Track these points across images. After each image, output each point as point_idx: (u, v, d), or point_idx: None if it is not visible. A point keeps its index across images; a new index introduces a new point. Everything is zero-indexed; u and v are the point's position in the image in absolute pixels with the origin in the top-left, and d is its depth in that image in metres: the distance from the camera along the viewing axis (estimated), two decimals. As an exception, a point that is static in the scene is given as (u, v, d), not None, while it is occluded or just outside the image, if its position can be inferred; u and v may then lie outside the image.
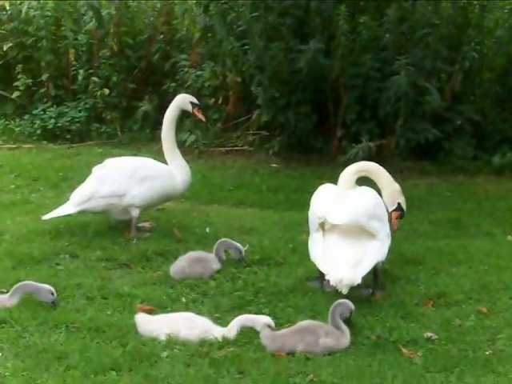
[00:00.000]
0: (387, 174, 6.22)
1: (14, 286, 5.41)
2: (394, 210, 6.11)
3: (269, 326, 4.95)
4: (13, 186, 8.82)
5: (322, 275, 5.83)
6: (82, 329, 5.08)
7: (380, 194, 6.10)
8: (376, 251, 5.64)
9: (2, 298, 5.37)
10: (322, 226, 5.74)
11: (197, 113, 7.46)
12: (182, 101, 7.43)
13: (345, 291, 5.31)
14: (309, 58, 9.66)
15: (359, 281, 5.36)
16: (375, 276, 5.76)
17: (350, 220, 5.60)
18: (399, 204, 6.12)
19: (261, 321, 4.99)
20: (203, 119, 7.71)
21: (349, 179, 6.07)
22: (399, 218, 6.14)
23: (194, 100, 7.46)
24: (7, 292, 5.48)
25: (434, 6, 10.17)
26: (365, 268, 5.48)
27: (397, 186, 6.18)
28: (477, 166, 10.18)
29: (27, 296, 5.45)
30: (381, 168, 6.25)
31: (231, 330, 5.00)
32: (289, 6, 10.08)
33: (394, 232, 6.05)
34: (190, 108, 7.40)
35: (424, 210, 8.26)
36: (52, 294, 5.40)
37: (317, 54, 9.67)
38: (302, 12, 10.16)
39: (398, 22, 9.97)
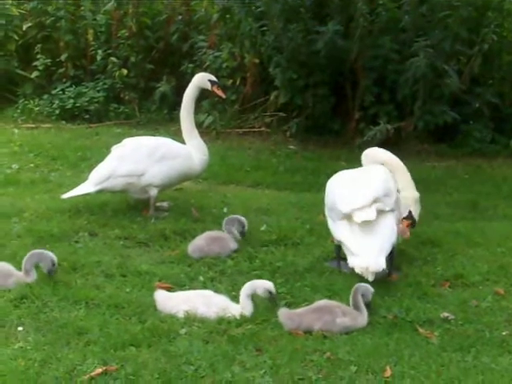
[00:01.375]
0: (410, 177, 6.25)
1: (23, 261, 5.45)
2: (404, 218, 6.05)
3: (270, 292, 5.04)
4: (32, 165, 8.89)
5: (338, 256, 5.86)
6: (102, 305, 5.13)
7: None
8: (391, 232, 5.65)
9: (21, 275, 5.42)
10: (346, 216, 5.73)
11: (216, 90, 7.45)
12: (201, 79, 7.42)
13: (371, 278, 5.31)
14: (327, 40, 9.64)
15: (384, 266, 5.38)
16: (391, 257, 5.78)
17: (375, 214, 5.58)
18: (410, 212, 6.10)
19: (261, 285, 5.08)
20: (223, 96, 7.70)
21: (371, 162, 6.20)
22: (410, 226, 6.06)
23: (213, 78, 7.46)
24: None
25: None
26: (385, 251, 5.49)
27: (416, 194, 6.21)
28: (494, 149, 10.18)
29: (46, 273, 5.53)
30: (402, 166, 6.30)
31: (245, 305, 5.05)
32: (308, -13, 10.06)
33: (404, 238, 6.01)
34: (208, 86, 7.40)
35: (441, 192, 8.28)
36: (53, 264, 5.45)
37: (335, 36, 9.65)
38: (321, -7, 10.15)
39: (417, 4, 9.94)
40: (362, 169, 6.25)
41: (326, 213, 6.03)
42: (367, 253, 5.40)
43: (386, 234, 5.59)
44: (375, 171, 6.03)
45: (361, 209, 5.56)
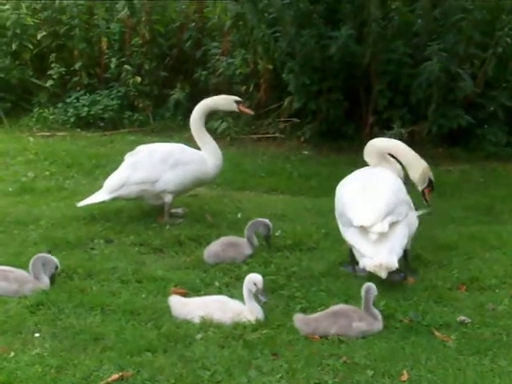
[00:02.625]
0: (411, 151, 6.28)
1: (29, 266, 5.47)
2: (426, 187, 6.18)
3: (255, 284, 5.02)
4: (48, 173, 8.94)
5: (352, 260, 5.86)
6: (118, 311, 5.15)
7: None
8: (402, 236, 5.64)
9: (37, 282, 5.45)
10: None
11: (243, 108, 7.49)
12: (226, 102, 7.46)
13: (384, 275, 5.32)
14: (340, 45, 9.64)
15: (397, 265, 5.37)
16: (406, 260, 5.77)
17: (387, 226, 5.58)
18: (430, 180, 6.20)
19: (249, 279, 5.08)
20: (251, 113, 7.75)
21: (374, 157, 6.23)
22: (431, 191, 6.24)
23: (237, 98, 7.48)
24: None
25: (467, -9, 10.10)
26: (398, 251, 5.49)
27: (425, 164, 6.23)
28: (509, 152, 10.12)
29: (62, 278, 5.55)
30: (402, 145, 6.32)
31: (251, 307, 5.04)
32: (320, -8, 10.07)
33: (428, 204, 6.17)
34: (235, 107, 7.43)
35: (456, 196, 8.25)
36: (56, 267, 5.51)
37: (348, 41, 9.65)
38: (334, -2, 10.16)
39: (430, 8, 9.92)
40: (371, 173, 6.19)
41: (337, 217, 6.03)
42: (378, 253, 5.40)
43: (398, 238, 5.59)
44: (385, 178, 6.02)
45: (374, 224, 5.56)
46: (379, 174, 6.13)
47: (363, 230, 5.57)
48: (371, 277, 5.54)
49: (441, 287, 5.64)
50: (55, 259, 5.56)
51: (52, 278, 5.51)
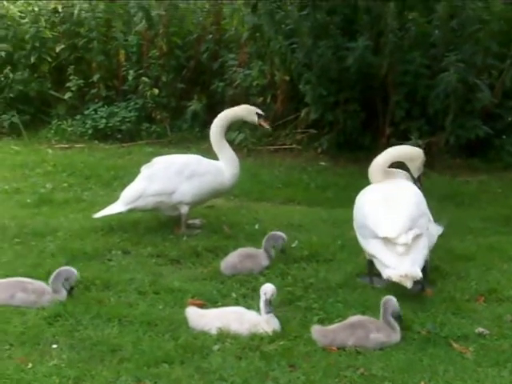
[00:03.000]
0: (408, 147, 6.55)
1: (50, 280, 5.50)
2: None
3: (264, 294, 5.06)
4: (66, 185, 8.98)
5: (371, 271, 5.85)
6: (135, 322, 5.16)
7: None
8: (423, 247, 5.66)
9: (54, 293, 5.48)
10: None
11: (263, 123, 7.48)
12: (247, 112, 7.44)
13: (409, 285, 5.33)
14: (357, 56, 9.64)
15: (421, 275, 5.38)
16: (424, 272, 5.75)
17: (412, 237, 5.61)
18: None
19: (262, 289, 5.12)
20: (270, 128, 7.71)
21: (378, 174, 6.23)
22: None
23: (259, 111, 7.46)
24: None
25: (484, 2, 10.06)
26: (420, 262, 5.51)
27: (420, 151, 6.40)
28: (528, 163, 10.06)
29: (79, 290, 5.57)
30: (397, 148, 6.48)
31: (268, 318, 5.03)
32: (337, 3, 10.08)
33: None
34: (255, 119, 7.42)
35: (474, 207, 8.21)
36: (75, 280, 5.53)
37: (365, 52, 9.65)
38: (351, 10, 10.18)
39: (447, 18, 9.91)
40: (391, 185, 6.16)
41: (356, 228, 6.03)
42: (402, 264, 5.41)
43: (420, 249, 5.60)
44: (406, 190, 6.03)
45: (399, 236, 5.57)
46: (399, 185, 6.13)
47: (386, 241, 5.58)
48: (388, 288, 5.55)
49: (459, 299, 5.62)
50: (75, 272, 5.56)
51: (72, 290, 5.53)
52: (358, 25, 10.12)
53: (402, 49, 9.94)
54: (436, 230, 6.01)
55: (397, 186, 6.13)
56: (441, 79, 9.65)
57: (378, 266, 5.62)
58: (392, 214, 5.72)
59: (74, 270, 5.58)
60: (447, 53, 9.64)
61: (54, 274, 5.51)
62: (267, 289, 5.10)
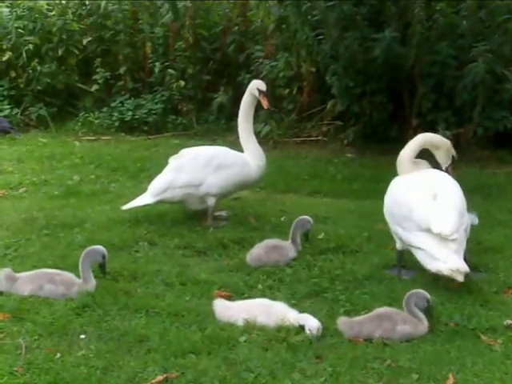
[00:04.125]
0: (436, 136, 6.41)
1: (80, 265, 5.53)
2: (450, 165, 6.29)
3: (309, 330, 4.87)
4: (93, 177, 9.03)
5: (400, 263, 5.83)
6: (162, 313, 5.17)
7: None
8: (464, 236, 5.65)
9: (82, 283, 5.51)
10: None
11: (262, 99, 7.33)
12: (253, 86, 7.36)
13: (461, 279, 5.30)
14: (384, 47, 9.59)
15: (468, 269, 5.36)
16: (466, 262, 5.67)
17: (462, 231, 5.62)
18: (453, 157, 6.31)
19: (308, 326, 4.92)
20: (265, 107, 7.52)
21: (406, 165, 6.17)
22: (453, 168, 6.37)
23: (262, 87, 7.33)
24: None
25: (513, -9, 9.98)
26: (462, 254, 5.51)
27: (448, 142, 6.33)
28: (557, 154, 9.96)
29: (107, 281, 5.61)
30: (423, 135, 6.36)
31: (296, 315, 5.02)
32: (364, -6, 10.04)
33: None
34: (257, 94, 7.32)
35: (502, 199, 8.15)
36: (103, 256, 5.59)
37: (392, 43, 9.59)
38: (377, 0, 10.11)
39: (475, 9, 9.83)
40: (427, 176, 6.05)
41: (393, 221, 5.92)
42: (452, 258, 5.38)
43: (462, 241, 5.58)
44: (446, 183, 5.95)
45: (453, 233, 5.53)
46: (434, 176, 6.04)
47: (436, 235, 5.53)
48: (415, 280, 5.52)
49: (487, 291, 5.58)
50: (101, 248, 5.63)
51: (103, 267, 5.61)
52: (384, 15, 10.08)
53: (429, 40, 9.88)
54: (471, 219, 5.97)
55: (433, 176, 6.03)
56: (468, 70, 9.58)
57: (423, 259, 5.54)
58: (443, 209, 5.63)
59: (99, 247, 5.65)
60: (475, 43, 9.58)
61: (81, 260, 5.53)
62: (313, 324, 4.90)
